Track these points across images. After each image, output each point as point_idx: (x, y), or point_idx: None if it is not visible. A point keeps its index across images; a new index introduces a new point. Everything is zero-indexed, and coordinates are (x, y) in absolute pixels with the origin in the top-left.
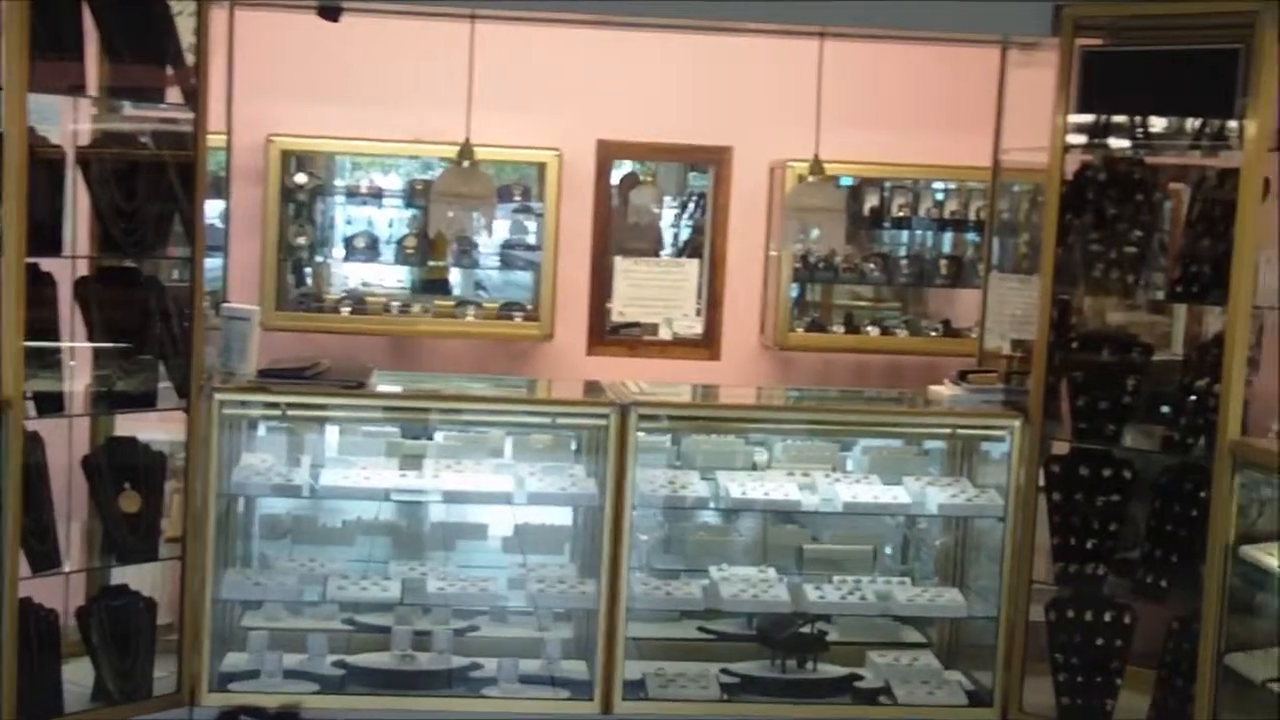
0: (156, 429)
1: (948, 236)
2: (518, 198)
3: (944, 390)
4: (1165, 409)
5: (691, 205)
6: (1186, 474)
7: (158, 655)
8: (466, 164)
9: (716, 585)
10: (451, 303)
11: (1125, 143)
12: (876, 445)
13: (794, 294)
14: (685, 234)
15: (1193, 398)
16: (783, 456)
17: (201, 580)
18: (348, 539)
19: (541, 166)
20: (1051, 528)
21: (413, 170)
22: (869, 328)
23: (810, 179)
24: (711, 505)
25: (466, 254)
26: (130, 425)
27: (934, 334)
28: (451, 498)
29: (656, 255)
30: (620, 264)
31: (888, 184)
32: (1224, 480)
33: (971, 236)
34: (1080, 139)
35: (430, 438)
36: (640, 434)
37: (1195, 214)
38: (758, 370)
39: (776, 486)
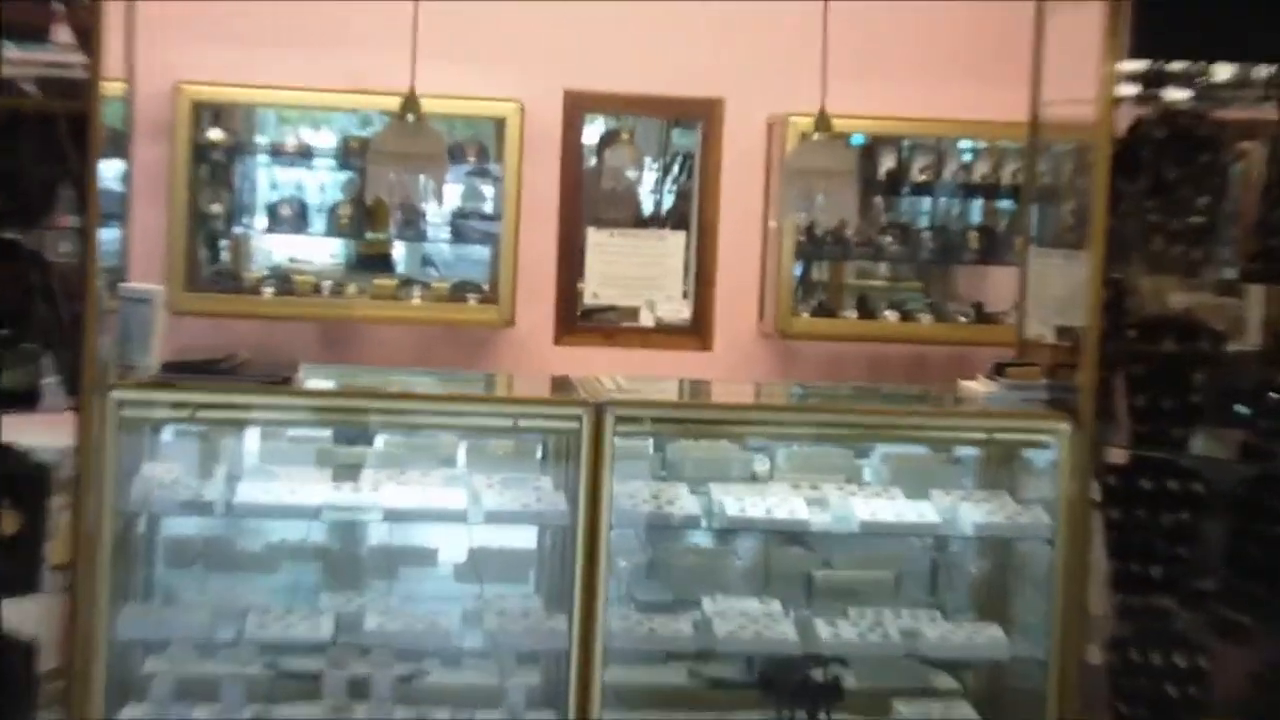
0: (40, 433)
1: (978, 205)
2: (472, 159)
3: (977, 387)
4: (1242, 409)
5: (676, 168)
6: (1270, 486)
7: (39, 708)
8: (412, 118)
9: (710, 621)
10: (394, 283)
11: (1184, 93)
12: (898, 453)
13: (798, 273)
14: (669, 202)
15: (1275, 395)
16: (787, 466)
17: (94, 617)
18: (270, 566)
19: (500, 122)
20: (1109, 551)
21: (349, 125)
22: (886, 312)
23: (816, 137)
24: (704, 524)
25: (412, 225)
26: (8, 429)
27: (963, 320)
28: (394, 516)
29: (636, 227)
30: (593, 237)
31: (907, 143)
32: None
33: (1006, 204)
34: (1133, 90)
35: (369, 444)
36: (618, 439)
37: (1274, 176)
38: (756, 363)
39: (781, 502)
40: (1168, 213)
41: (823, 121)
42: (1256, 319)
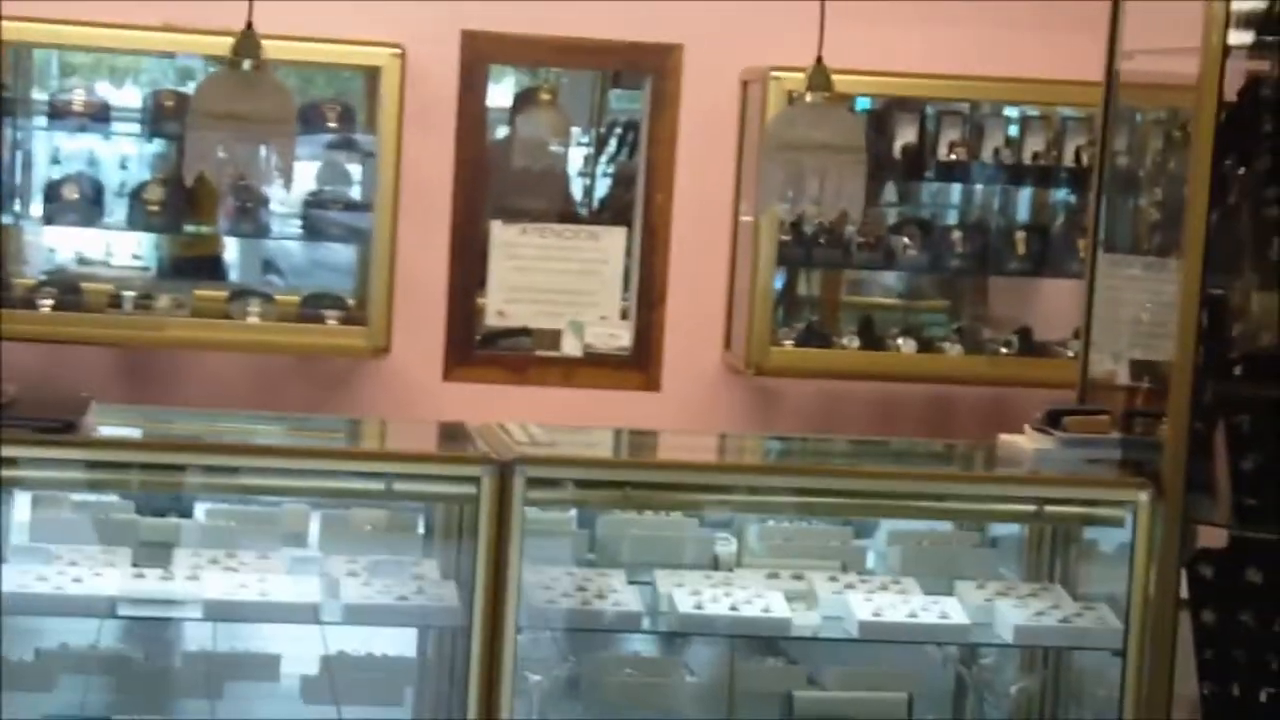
0: None
1: (1027, 195)
2: (333, 124)
3: (1024, 443)
4: None
5: (614, 142)
6: None
7: None
8: (249, 66)
9: None
10: (223, 294)
11: None
12: (912, 531)
13: (779, 285)
14: (604, 188)
15: None
16: (761, 548)
17: None
18: (45, 681)
19: (372, 74)
20: (1200, 668)
21: (161, 78)
22: (899, 340)
23: (810, 98)
24: (646, 625)
25: (249, 215)
26: None
27: (1005, 351)
28: (220, 612)
29: (559, 220)
30: (500, 234)
31: (931, 109)
32: None
33: (1065, 195)
34: (1244, 38)
35: (185, 515)
36: (532, 510)
37: None
38: (721, 407)
39: (752, 596)
40: None
41: (819, 77)
42: None
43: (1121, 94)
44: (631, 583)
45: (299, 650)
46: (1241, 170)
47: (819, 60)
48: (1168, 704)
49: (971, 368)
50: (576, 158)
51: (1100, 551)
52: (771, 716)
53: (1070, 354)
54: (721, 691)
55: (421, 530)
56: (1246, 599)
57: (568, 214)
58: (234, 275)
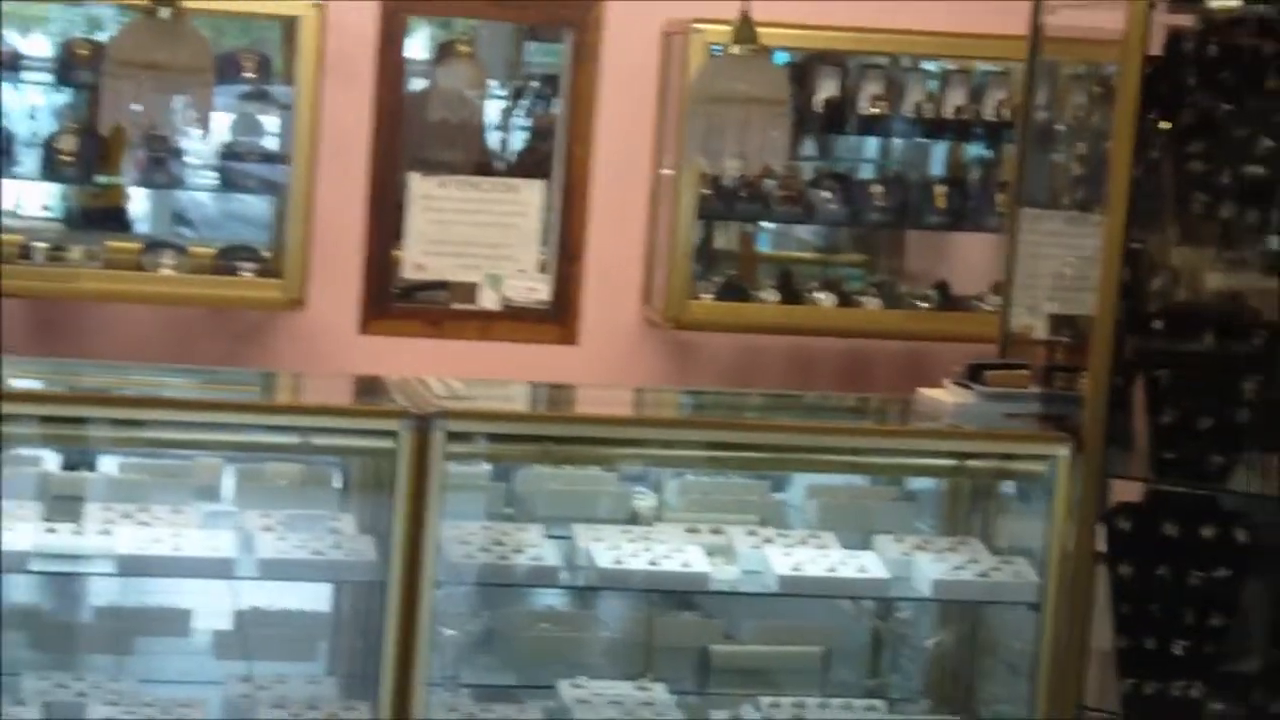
0: None
1: (946, 149)
2: (248, 74)
3: (944, 396)
4: None
5: (531, 95)
6: None
7: None
8: (165, 14)
9: (569, 711)
10: (136, 246)
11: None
12: (831, 485)
13: (699, 239)
14: (520, 140)
15: None
16: (680, 502)
17: None
18: None
19: (289, 24)
20: (1116, 621)
21: (71, 26)
22: (818, 294)
23: (735, 51)
24: (565, 580)
25: (162, 166)
26: None
27: (924, 305)
28: (131, 567)
29: (477, 173)
30: (418, 186)
31: (852, 62)
32: None
33: (984, 150)
34: None
35: (95, 468)
36: (450, 464)
37: None
38: (639, 361)
39: (670, 551)
40: (1216, 160)
41: (745, 30)
42: None
43: (1044, 48)
44: (549, 537)
45: (211, 605)
46: (1164, 125)
47: (745, 14)
48: (1083, 657)
49: (890, 321)
50: (493, 110)
51: (1018, 505)
52: (688, 671)
53: (988, 308)
54: (638, 646)
55: (338, 485)
56: (1163, 553)
57: (484, 166)
58: (144, 227)
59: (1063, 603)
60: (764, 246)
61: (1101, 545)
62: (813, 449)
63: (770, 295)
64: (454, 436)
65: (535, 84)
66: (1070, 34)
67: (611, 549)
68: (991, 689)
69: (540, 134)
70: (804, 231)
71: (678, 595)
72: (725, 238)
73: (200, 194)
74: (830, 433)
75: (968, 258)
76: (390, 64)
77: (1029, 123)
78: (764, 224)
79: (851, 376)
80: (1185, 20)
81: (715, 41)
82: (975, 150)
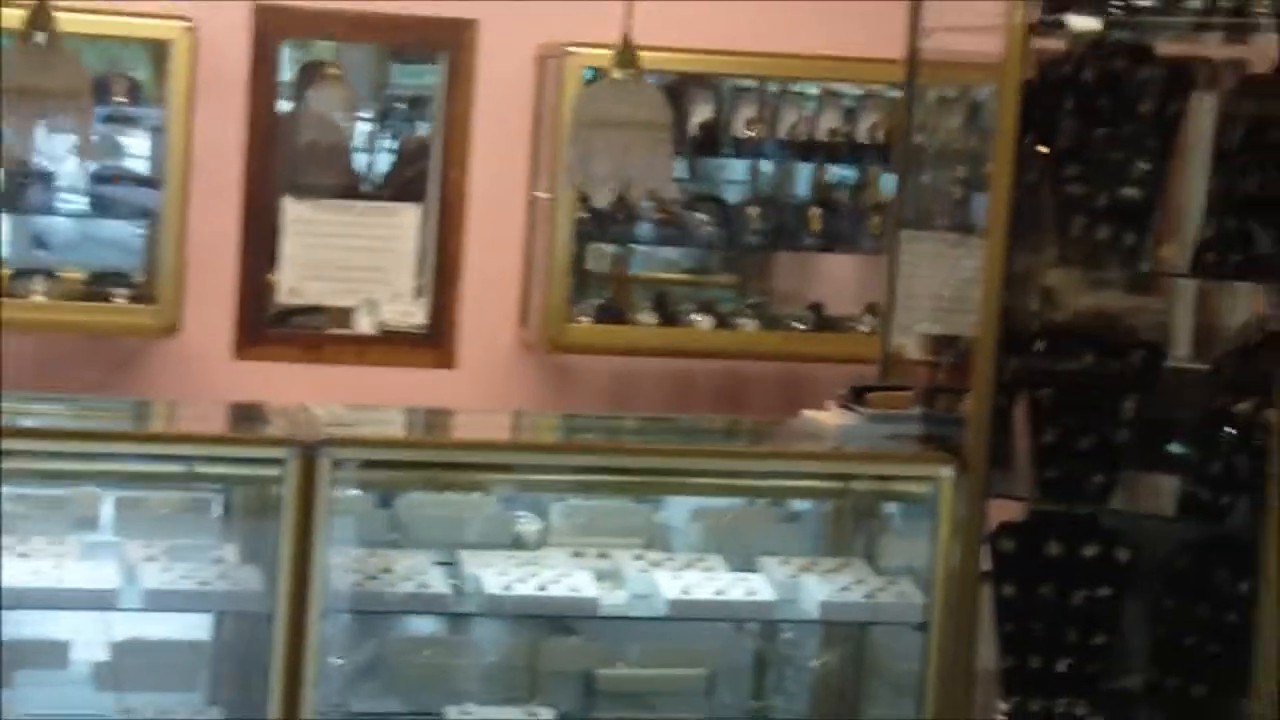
0: None
1: (821, 171)
2: (119, 98)
3: (827, 418)
4: (1182, 450)
5: (396, 117)
6: (1216, 554)
7: None
8: (43, 39)
9: None
10: (6, 272)
11: (1093, 23)
12: (714, 508)
13: (575, 262)
14: (387, 163)
15: (1229, 431)
16: (563, 527)
17: None
18: None
19: (159, 48)
20: (1001, 640)
21: None
22: (695, 316)
23: (617, 74)
24: (453, 607)
25: (29, 190)
26: None
27: (800, 327)
28: (11, 600)
29: (345, 196)
30: (292, 210)
31: (728, 85)
32: (1276, 564)
33: (858, 172)
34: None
35: None
36: (335, 491)
37: (1235, 138)
38: (517, 384)
39: (558, 576)
40: (1095, 182)
41: (627, 55)
42: (1187, 327)
43: (921, 72)
44: (436, 564)
45: (88, 638)
46: (1042, 147)
47: (627, 38)
48: (969, 677)
49: (767, 343)
50: (360, 133)
51: (902, 526)
52: (574, 695)
53: (864, 329)
54: (524, 670)
55: (220, 513)
56: (1046, 572)
57: (351, 189)
58: (5, 251)
59: (948, 623)
60: (634, 268)
61: (986, 565)
62: (697, 472)
63: (647, 317)
64: (339, 464)
65: (401, 106)
66: (946, 58)
67: (500, 575)
68: (877, 709)
69: (407, 157)
70: (672, 253)
71: (561, 619)
72: (596, 260)
73: (61, 219)
74: (715, 455)
75: (841, 279)
76: (263, 87)
77: (907, 145)
78: (633, 246)
79: (729, 398)
80: (1059, 44)
81: (590, 64)
82: (848, 173)
